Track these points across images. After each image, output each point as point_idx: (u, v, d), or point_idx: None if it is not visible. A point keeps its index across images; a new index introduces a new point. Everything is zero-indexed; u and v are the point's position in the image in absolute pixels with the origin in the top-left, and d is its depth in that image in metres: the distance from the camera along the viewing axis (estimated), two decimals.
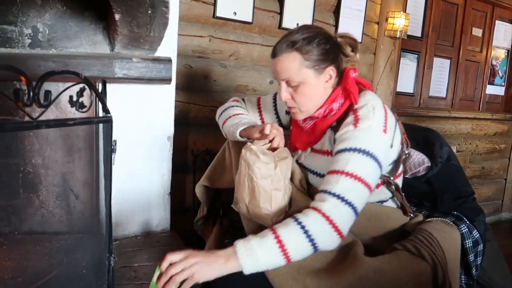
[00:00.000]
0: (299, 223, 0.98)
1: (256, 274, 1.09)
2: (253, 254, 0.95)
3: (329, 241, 1.00)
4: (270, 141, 1.15)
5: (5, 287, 1.10)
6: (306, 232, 0.98)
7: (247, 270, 0.96)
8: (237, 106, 1.41)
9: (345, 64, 1.23)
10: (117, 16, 1.18)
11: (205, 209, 1.49)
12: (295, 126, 1.31)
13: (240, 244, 0.97)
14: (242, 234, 1.16)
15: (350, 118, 1.11)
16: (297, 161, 1.31)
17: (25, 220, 1.38)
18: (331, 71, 1.16)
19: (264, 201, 1.09)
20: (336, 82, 1.18)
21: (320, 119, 1.19)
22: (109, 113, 1.06)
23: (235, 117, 1.33)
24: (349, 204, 1.01)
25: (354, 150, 1.05)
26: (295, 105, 1.19)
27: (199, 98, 2.03)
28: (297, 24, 2.21)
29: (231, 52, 2.08)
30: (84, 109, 0.96)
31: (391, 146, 1.15)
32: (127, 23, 1.21)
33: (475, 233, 1.30)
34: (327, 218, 0.99)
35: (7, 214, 1.36)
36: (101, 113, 1.10)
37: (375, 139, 1.08)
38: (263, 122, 1.45)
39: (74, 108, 0.94)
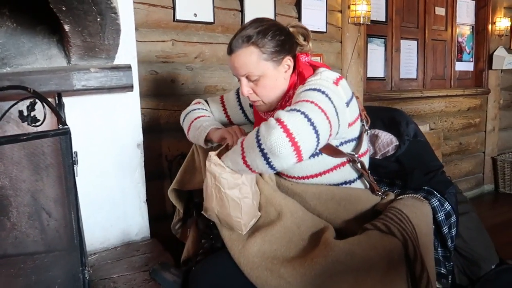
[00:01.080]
0: (258, 128, 0.96)
1: (233, 270, 1.10)
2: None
3: (275, 139, 0.89)
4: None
5: None
6: (257, 131, 0.95)
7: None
8: (198, 109, 1.41)
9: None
10: (67, 27, 1.17)
11: (181, 212, 1.49)
12: (258, 117, 1.32)
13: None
14: (218, 235, 1.17)
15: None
16: None
17: None
18: (288, 61, 1.18)
19: (234, 210, 1.09)
20: (293, 69, 1.21)
21: (280, 107, 1.20)
22: (66, 124, 1.05)
23: (197, 121, 1.33)
24: (302, 112, 0.93)
25: (307, 90, 1.04)
26: (258, 98, 1.20)
27: (168, 103, 2.02)
28: None
29: (196, 54, 2.08)
30: (37, 123, 0.95)
31: (347, 104, 1.11)
32: (78, 33, 1.20)
33: (447, 206, 1.32)
34: (278, 119, 0.91)
35: None
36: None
37: (324, 84, 1.06)
38: (229, 119, 1.46)
39: (27, 123, 0.93)
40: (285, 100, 1.20)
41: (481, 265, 1.68)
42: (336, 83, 1.11)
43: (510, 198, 3.66)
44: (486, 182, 3.81)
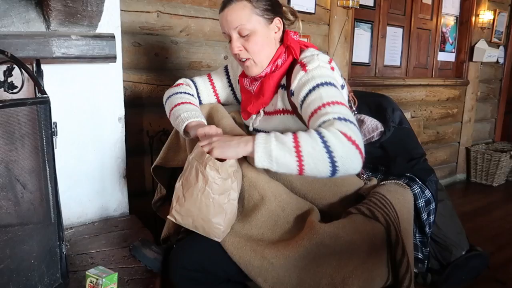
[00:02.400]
0: (319, 132, 0.97)
1: (215, 249, 1.09)
2: (268, 144, 0.97)
3: (348, 153, 0.95)
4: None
5: None
6: (324, 142, 0.95)
7: (259, 159, 0.98)
8: (181, 92, 1.35)
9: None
10: None
11: (163, 189, 1.46)
12: (243, 92, 1.31)
13: (261, 135, 1.00)
14: None
15: (297, 67, 1.15)
16: (252, 128, 1.30)
17: None
18: (278, 22, 1.21)
19: (217, 217, 1.05)
20: (280, 40, 1.23)
21: (266, 77, 1.21)
22: (45, 93, 0.99)
23: (177, 109, 1.27)
24: (351, 121, 1.00)
25: (317, 86, 1.08)
26: (249, 56, 1.19)
27: (151, 77, 1.96)
28: None
29: (182, 28, 2.01)
30: (15, 90, 0.89)
31: (342, 87, 1.18)
32: None
33: (427, 193, 1.34)
34: (344, 134, 0.96)
35: None
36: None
37: (328, 74, 1.12)
38: (217, 97, 1.42)
39: (3, 90, 0.87)
40: (271, 70, 1.21)
41: (452, 250, 1.74)
42: (332, 68, 1.14)
43: (481, 187, 3.79)
44: (459, 171, 3.93)
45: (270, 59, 1.21)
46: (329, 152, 0.94)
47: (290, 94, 1.16)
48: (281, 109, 1.22)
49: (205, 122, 1.24)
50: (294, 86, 1.13)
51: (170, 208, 1.08)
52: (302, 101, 1.10)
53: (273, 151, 0.96)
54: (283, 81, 1.23)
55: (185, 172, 1.08)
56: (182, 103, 1.30)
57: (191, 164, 1.07)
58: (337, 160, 0.94)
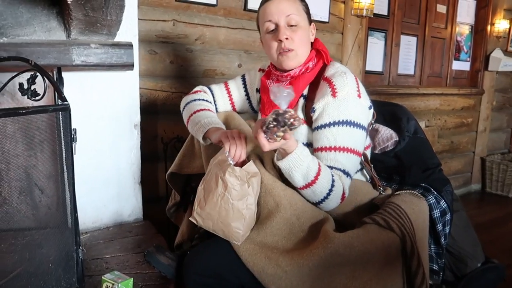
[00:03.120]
0: (333, 181, 1.10)
1: (230, 256, 1.09)
2: (298, 165, 1.04)
3: (334, 204, 1.14)
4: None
5: None
6: (330, 191, 1.09)
7: (282, 163, 1.05)
8: (199, 99, 1.36)
9: None
10: (69, 0, 1.13)
11: (177, 195, 1.47)
12: (265, 93, 1.29)
13: (302, 149, 1.05)
14: None
15: (325, 88, 1.15)
16: None
17: None
18: (313, 28, 1.26)
19: (237, 221, 1.07)
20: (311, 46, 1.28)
21: (295, 78, 1.23)
22: (66, 100, 1.02)
23: (196, 115, 1.28)
24: (349, 175, 1.15)
25: (339, 123, 1.11)
26: (293, 46, 1.20)
27: (166, 85, 1.98)
28: None
29: (197, 36, 2.03)
30: (38, 97, 0.92)
31: (370, 107, 1.22)
32: (80, 7, 1.16)
33: (443, 203, 1.33)
34: (344, 192, 1.14)
35: None
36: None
37: (354, 107, 1.14)
38: (233, 105, 1.44)
39: (26, 97, 0.90)
40: (301, 71, 1.24)
41: (467, 262, 1.71)
42: (359, 95, 1.16)
43: (496, 198, 3.73)
44: (474, 181, 3.87)
45: (306, 57, 1.24)
46: (325, 198, 1.10)
47: (311, 110, 1.17)
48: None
49: (225, 129, 1.25)
50: (318, 106, 1.15)
51: (192, 210, 1.12)
52: (318, 127, 1.15)
53: (297, 171, 1.05)
54: (305, 92, 1.23)
55: (206, 177, 1.11)
56: (202, 109, 1.31)
57: (212, 170, 1.09)
58: (323, 204, 1.13)
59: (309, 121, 1.20)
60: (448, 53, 3.50)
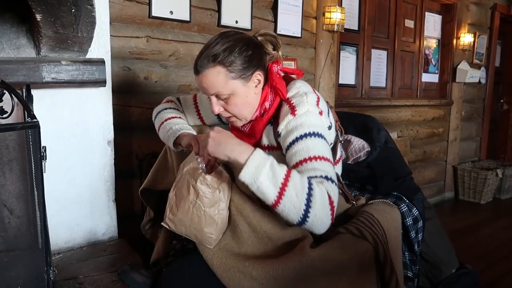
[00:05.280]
0: (310, 184, 0.97)
1: (205, 272, 1.09)
2: (261, 167, 0.96)
3: (323, 216, 0.97)
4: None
5: None
6: (309, 196, 0.96)
7: (245, 173, 0.97)
8: (170, 108, 1.38)
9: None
10: (38, 17, 1.12)
11: (152, 212, 1.46)
12: (234, 130, 1.28)
13: (260, 153, 0.99)
14: None
15: (286, 108, 1.13)
16: None
17: None
18: (258, 75, 1.15)
19: (209, 227, 1.08)
20: (263, 82, 1.18)
21: (256, 120, 1.20)
22: (35, 118, 1.00)
23: (167, 123, 1.29)
24: (335, 183, 1.03)
25: (305, 135, 1.06)
26: (230, 115, 1.18)
27: (140, 101, 1.98)
28: (236, 21, 2.22)
29: (171, 52, 2.04)
30: (5, 115, 0.90)
31: (329, 127, 1.17)
32: (50, 24, 1.15)
33: (415, 211, 1.36)
34: (329, 196, 0.99)
35: None
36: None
37: (316, 122, 1.10)
38: (201, 119, 1.43)
39: None
40: (260, 113, 1.18)
41: (442, 268, 1.75)
42: (320, 112, 1.12)
43: (469, 205, 3.83)
44: (447, 189, 3.97)
45: (254, 111, 1.18)
46: (308, 207, 0.96)
47: (277, 134, 1.13)
48: (266, 145, 1.21)
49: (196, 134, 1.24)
50: (281, 128, 1.11)
51: (164, 216, 1.11)
52: (288, 147, 1.08)
53: (262, 175, 0.95)
54: (271, 119, 1.21)
55: (178, 183, 1.11)
56: (173, 117, 1.32)
57: (183, 176, 1.09)
58: (310, 217, 0.96)
59: (279, 146, 1.17)
60: (418, 66, 3.63)
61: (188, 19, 2.05)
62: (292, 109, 1.10)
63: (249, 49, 1.12)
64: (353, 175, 1.43)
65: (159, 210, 1.41)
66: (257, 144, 1.23)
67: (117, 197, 1.64)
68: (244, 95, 1.13)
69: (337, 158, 1.27)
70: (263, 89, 1.18)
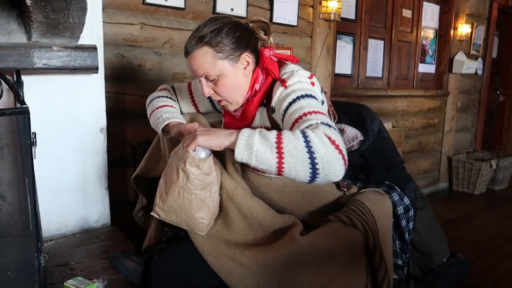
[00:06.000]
0: (303, 132, 0.92)
1: (196, 259, 1.09)
2: (251, 137, 0.93)
3: (330, 157, 0.88)
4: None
5: None
6: (307, 142, 0.89)
7: (239, 150, 0.93)
8: (163, 96, 1.37)
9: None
10: (28, 1, 1.11)
11: (144, 199, 1.46)
12: (226, 114, 1.29)
13: (247, 129, 0.96)
14: None
15: (277, 84, 1.12)
16: None
17: None
18: (246, 57, 1.15)
19: (200, 211, 1.07)
20: (254, 64, 1.18)
21: (248, 102, 1.19)
22: (25, 104, 1.00)
23: (158, 111, 1.29)
24: (334, 128, 0.96)
25: (298, 98, 1.05)
26: (220, 98, 1.18)
27: (134, 88, 1.96)
28: (231, 9, 2.20)
29: (165, 40, 2.03)
30: None
31: (322, 103, 1.14)
32: (40, 9, 1.14)
33: (406, 200, 1.37)
34: (328, 137, 0.91)
35: None
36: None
37: (308, 87, 1.09)
38: (196, 107, 1.43)
39: None
40: (251, 95, 1.18)
41: (433, 258, 1.77)
42: (312, 83, 1.12)
43: (463, 195, 3.86)
44: (442, 180, 3.99)
45: (244, 94, 1.18)
46: (311, 152, 0.88)
47: (271, 111, 1.13)
48: (258, 127, 1.20)
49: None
50: (274, 102, 1.11)
51: (154, 205, 1.10)
52: (284, 114, 1.06)
53: (255, 144, 0.91)
54: (263, 100, 1.21)
55: (167, 170, 1.09)
56: (164, 105, 1.32)
57: (173, 162, 1.08)
58: (318, 162, 0.88)
59: (274, 126, 1.17)
60: (414, 56, 3.62)
61: (183, 6, 2.03)
62: (283, 82, 1.10)
63: (237, 31, 1.13)
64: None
65: (152, 198, 1.41)
66: (248, 127, 1.22)
67: (111, 185, 1.64)
68: (232, 76, 1.14)
69: None
70: (253, 71, 1.18)
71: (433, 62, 3.80)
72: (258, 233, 1.11)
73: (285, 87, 1.08)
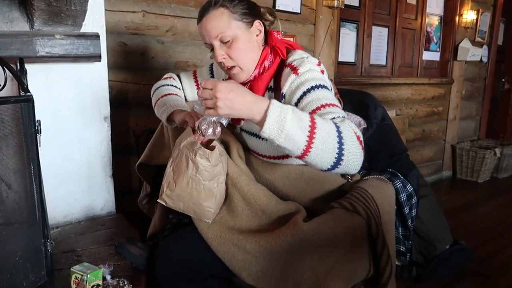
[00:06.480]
0: (335, 123, 0.93)
1: (200, 245, 1.10)
2: (284, 114, 0.89)
3: (356, 151, 0.92)
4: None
5: None
6: (339, 132, 0.91)
7: (268, 125, 0.88)
8: (168, 85, 1.38)
9: None
10: None
11: (148, 187, 1.47)
12: None
13: (277, 103, 0.91)
14: None
15: (287, 70, 1.13)
16: (239, 130, 1.30)
17: None
18: (258, 25, 1.18)
19: (208, 200, 1.09)
20: (263, 42, 1.21)
21: (255, 80, 1.19)
22: (29, 92, 1.00)
23: (163, 99, 1.30)
24: (348, 120, 0.99)
25: (312, 88, 1.06)
26: (234, 63, 1.17)
27: (137, 77, 1.96)
28: None
29: (168, 28, 2.02)
30: None
31: (330, 89, 1.14)
32: None
33: (409, 187, 1.37)
34: (355, 132, 0.94)
35: None
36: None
37: (320, 77, 1.10)
38: None
39: None
40: (259, 72, 1.18)
41: (436, 245, 1.78)
42: (322, 71, 1.13)
43: (466, 183, 3.86)
44: (445, 168, 3.99)
45: (256, 63, 1.18)
46: (341, 143, 0.90)
47: (281, 97, 1.13)
48: None
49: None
50: (285, 89, 1.11)
51: (160, 192, 1.11)
52: (297, 103, 1.07)
53: (287, 123, 0.88)
54: (271, 84, 1.21)
55: (176, 158, 1.10)
56: (169, 94, 1.32)
57: (181, 151, 1.09)
58: (345, 154, 0.90)
59: None
60: (419, 43, 3.58)
61: None
62: (294, 70, 1.10)
63: (249, 0, 1.18)
64: None
65: (155, 185, 1.42)
66: None
67: (115, 173, 1.65)
68: (247, 39, 1.15)
69: None
70: (263, 49, 1.19)
71: (438, 49, 3.76)
72: (261, 219, 1.12)
73: (297, 75, 1.09)
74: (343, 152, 0.90)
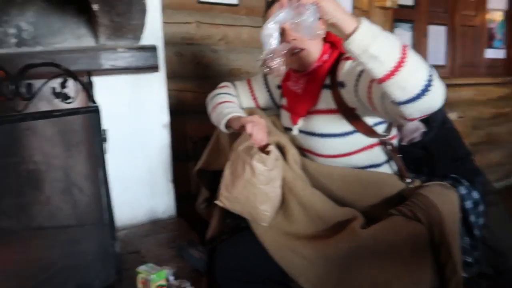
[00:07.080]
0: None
1: (257, 249, 1.12)
2: (374, 27, 0.87)
3: (441, 83, 0.91)
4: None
5: (18, 278, 1.13)
6: (428, 65, 0.90)
7: (361, 33, 0.85)
8: (223, 93, 1.41)
9: None
10: (95, 7, 1.19)
11: (206, 191, 1.51)
12: (288, 94, 1.31)
13: (365, 19, 0.88)
14: None
15: (343, 63, 1.15)
16: (298, 131, 1.30)
17: (33, 217, 1.41)
18: (321, 23, 1.16)
19: (264, 204, 1.11)
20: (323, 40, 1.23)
21: (313, 71, 1.21)
22: (95, 102, 1.07)
23: (220, 107, 1.34)
24: None
25: None
26: (304, 45, 1.19)
27: (194, 85, 2.03)
28: None
29: (220, 36, 2.07)
30: (69, 100, 0.98)
31: None
32: (106, 13, 1.22)
33: (475, 194, 1.29)
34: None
35: (16, 212, 1.39)
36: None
37: None
38: (256, 101, 1.46)
39: (60, 101, 0.96)
40: (318, 64, 1.21)
41: (508, 256, 1.65)
42: None
43: None
44: None
45: (319, 53, 1.22)
46: (431, 73, 0.88)
47: (339, 86, 1.15)
48: (323, 109, 1.21)
49: None
50: (343, 76, 1.13)
51: (219, 194, 1.15)
52: (359, 75, 1.06)
53: (381, 32, 0.87)
54: (327, 81, 1.22)
55: (233, 162, 1.14)
56: (225, 101, 1.36)
57: (238, 155, 1.12)
58: (433, 79, 0.88)
59: (341, 107, 1.17)
60: (480, 41, 3.38)
61: (236, 2, 2.07)
62: (350, 58, 1.12)
63: None
64: (408, 157, 1.38)
65: (212, 190, 1.46)
66: (313, 109, 1.24)
67: (175, 179, 1.72)
68: None
69: (393, 134, 1.24)
70: (323, 45, 1.22)
71: (502, 46, 3.52)
72: (318, 225, 1.11)
73: (354, 60, 1.07)
74: (432, 77, 0.88)
